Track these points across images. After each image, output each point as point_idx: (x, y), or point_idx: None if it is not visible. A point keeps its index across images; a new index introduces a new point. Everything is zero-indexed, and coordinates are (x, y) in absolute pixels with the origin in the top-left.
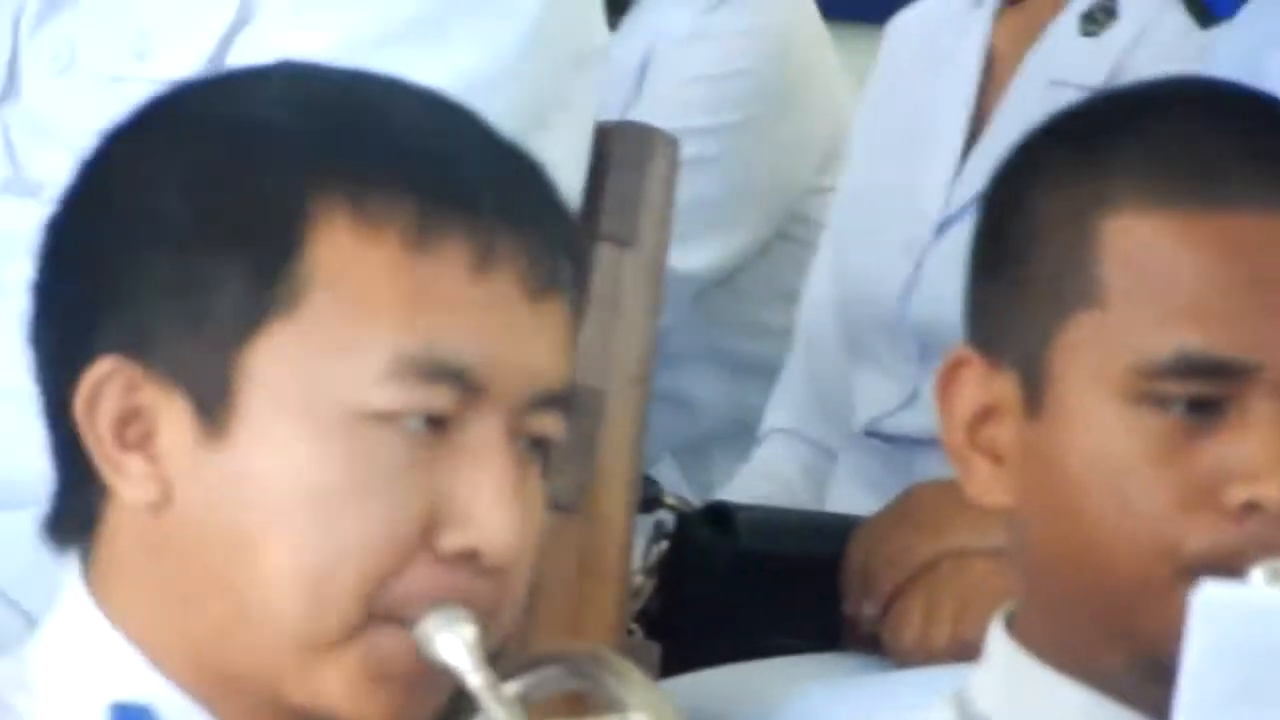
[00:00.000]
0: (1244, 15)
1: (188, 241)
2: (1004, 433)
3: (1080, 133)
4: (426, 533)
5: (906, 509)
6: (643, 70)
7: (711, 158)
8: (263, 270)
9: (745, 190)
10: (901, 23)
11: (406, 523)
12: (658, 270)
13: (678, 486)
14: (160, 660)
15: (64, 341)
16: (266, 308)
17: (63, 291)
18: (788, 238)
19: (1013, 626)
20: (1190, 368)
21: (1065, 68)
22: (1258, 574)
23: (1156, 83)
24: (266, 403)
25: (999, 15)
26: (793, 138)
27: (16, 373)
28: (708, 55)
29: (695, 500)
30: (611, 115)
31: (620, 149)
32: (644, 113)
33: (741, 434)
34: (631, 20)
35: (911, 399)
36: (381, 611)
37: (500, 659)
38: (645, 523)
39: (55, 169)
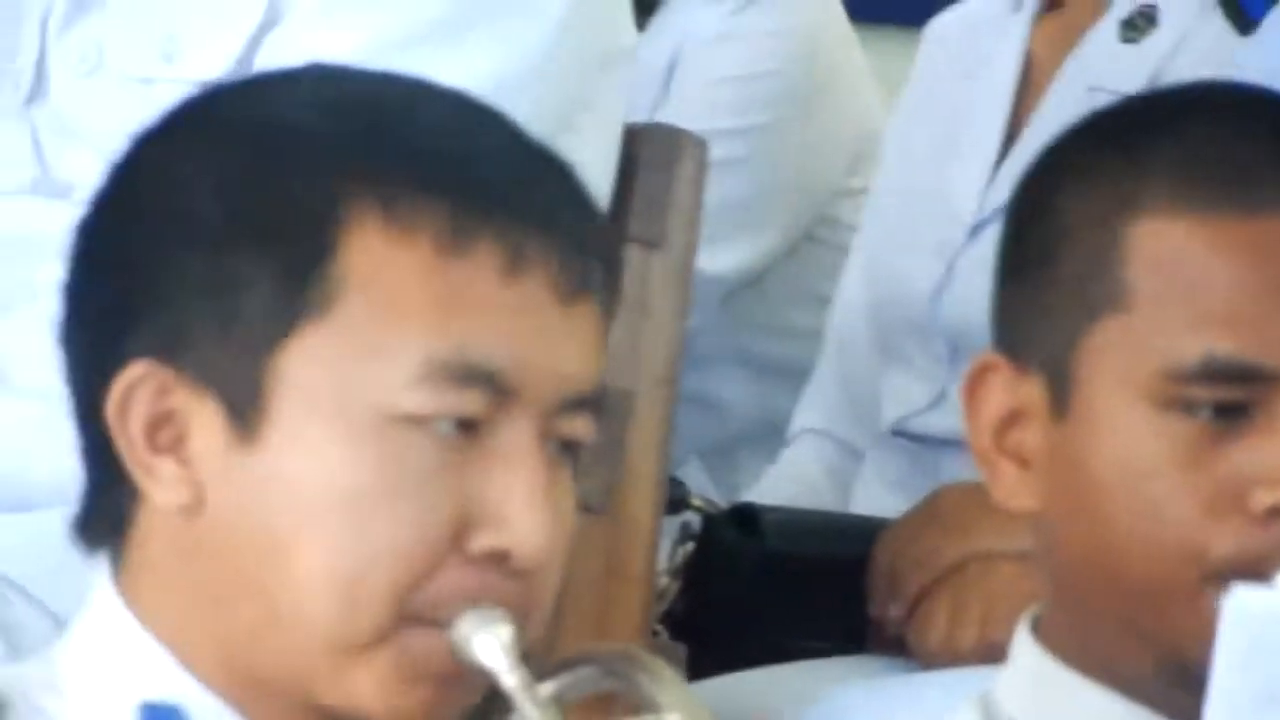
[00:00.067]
0: (1269, 25)
1: (220, 243)
2: (1030, 437)
3: (1109, 136)
4: (457, 535)
5: (933, 511)
6: (670, 71)
7: (739, 159)
8: (294, 273)
9: (773, 192)
10: (940, 25)
11: (438, 525)
12: (686, 272)
13: (704, 488)
14: (190, 662)
15: (95, 344)
16: (298, 311)
17: (94, 294)
18: (815, 239)
19: (1039, 629)
20: (1218, 372)
21: (1104, 74)
22: None
23: (1187, 87)
24: (298, 406)
25: (1037, 20)
26: (820, 139)
27: (45, 374)
28: (735, 56)
29: (722, 502)
30: (639, 116)
31: (648, 150)
32: (671, 114)
33: (768, 435)
34: (659, 21)
35: (939, 399)
36: (413, 614)
37: (528, 661)
38: (671, 524)
39: (84, 170)
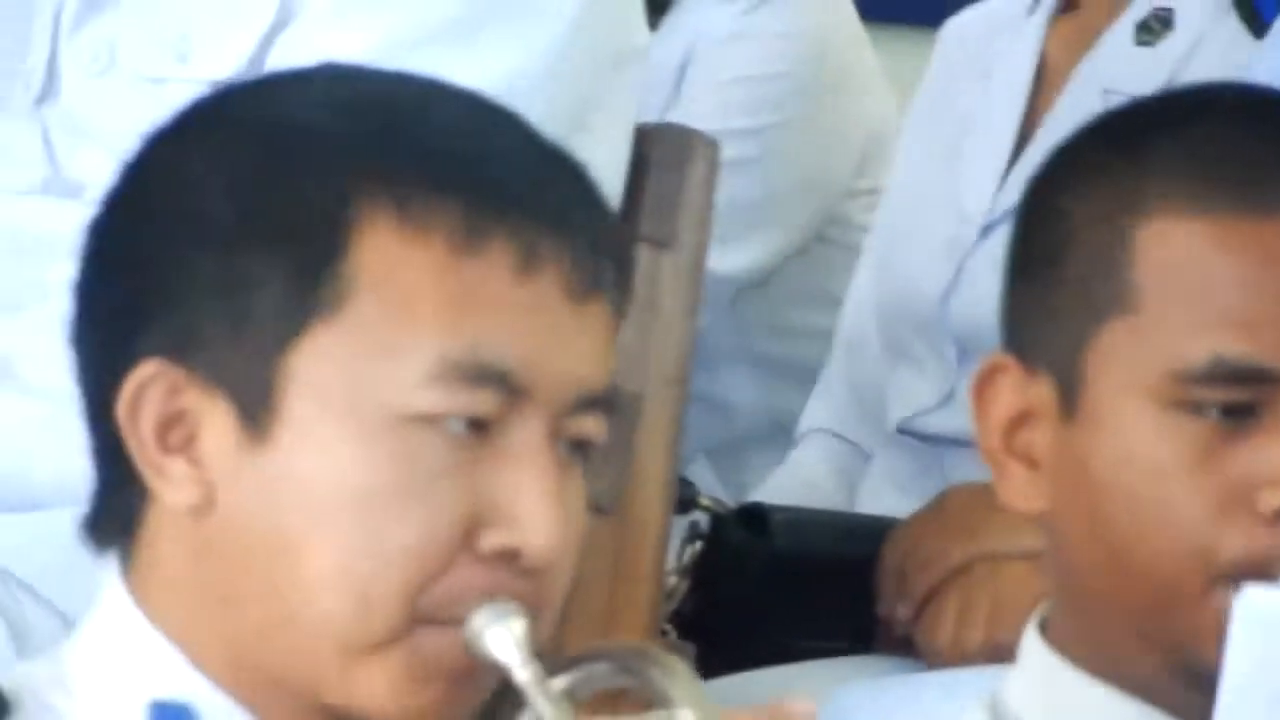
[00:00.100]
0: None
1: (231, 242)
2: (1039, 438)
3: (1116, 137)
4: (468, 535)
5: (941, 511)
6: (682, 71)
7: (750, 159)
8: (306, 272)
9: (784, 192)
10: (957, 25)
11: (449, 525)
12: (696, 272)
13: (713, 488)
14: (200, 661)
15: (106, 343)
16: (310, 310)
17: (105, 293)
18: (825, 240)
19: (1047, 630)
20: (1226, 374)
21: (1119, 77)
22: None
23: (1195, 88)
24: (309, 405)
25: (1053, 22)
26: (831, 139)
27: (55, 374)
28: (747, 56)
29: (730, 501)
30: (651, 116)
31: (660, 151)
32: (683, 114)
33: (777, 436)
34: (671, 21)
35: (947, 399)
36: (424, 613)
37: (540, 658)
38: (680, 524)
39: (95, 170)
